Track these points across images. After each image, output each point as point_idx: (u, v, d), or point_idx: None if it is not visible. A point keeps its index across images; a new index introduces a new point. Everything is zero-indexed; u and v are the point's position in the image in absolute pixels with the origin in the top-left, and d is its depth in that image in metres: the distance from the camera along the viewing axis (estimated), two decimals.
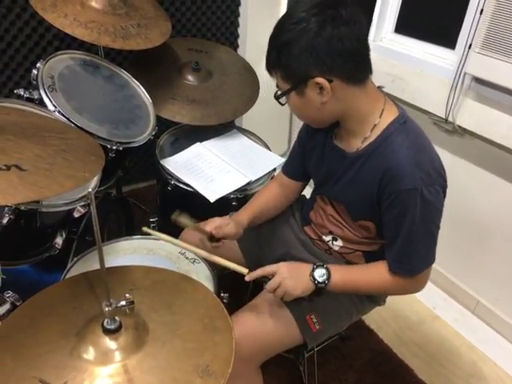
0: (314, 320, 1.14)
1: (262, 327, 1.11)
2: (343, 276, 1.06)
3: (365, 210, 1.07)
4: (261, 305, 1.15)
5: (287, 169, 1.32)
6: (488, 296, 1.84)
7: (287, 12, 0.96)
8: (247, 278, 1.05)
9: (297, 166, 1.28)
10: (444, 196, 1.00)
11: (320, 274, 1.04)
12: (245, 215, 1.23)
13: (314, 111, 1.00)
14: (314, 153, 1.18)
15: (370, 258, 1.15)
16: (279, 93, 1.01)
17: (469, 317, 1.89)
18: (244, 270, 1.07)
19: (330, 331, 1.21)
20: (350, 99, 0.98)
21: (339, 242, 1.19)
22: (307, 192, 1.35)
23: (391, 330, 1.80)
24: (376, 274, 1.08)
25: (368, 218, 1.08)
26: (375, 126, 1.00)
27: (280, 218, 1.36)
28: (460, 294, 1.93)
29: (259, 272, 1.05)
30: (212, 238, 1.17)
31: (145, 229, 1.18)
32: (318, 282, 1.03)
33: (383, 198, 0.99)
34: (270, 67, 0.99)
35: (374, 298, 1.24)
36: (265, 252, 1.34)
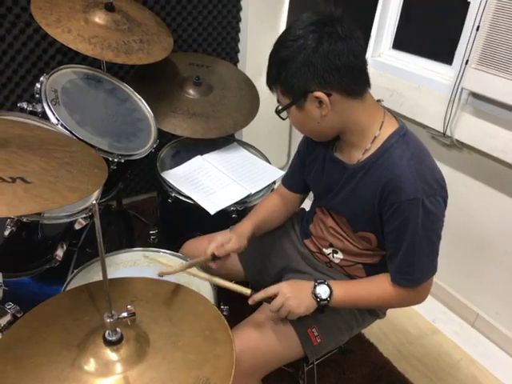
0: (315, 333, 1.14)
1: (262, 341, 1.11)
2: (345, 292, 1.07)
3: (365, 222, 1.07)
4: (261, 318, 1.15)
5: (287, 181, 1.33)
6: (488, 309, 1.84)
7: (286, 30, 0.98)
8: (250, 302, 1.05)
9: (296, 178, 1.29)
10: (445, 206, 1.01)
11: (322, 291, 1.04)
12: (248, 226, 1.23)
13: (315, 124, 1.02)
14: (314, 165, 1.19)
15: (370, 270, 1.16)
16: (280, 108, 1.03)
17: (469, 330, 1.89)
18: (247, 291, 1.07)
19: (331, 344, 1.20)
20: (349, 112, 1.00)
21: (339, 255, 1.20)
22: (307, 205, 1.36)
23: (391, 343, 1.80)
24: (378, 287, 1.08)
25: (369, 229, 1.08)
26: (375, 138, 1.02)
27: (280, 231, 1.36)
28: (460, 307, 1.93)
29: (262, 294, 1.05)
30: (214, 258, 1.16)
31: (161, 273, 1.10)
32: (321, 300, 1.04)
33: (384, 209, 1.00)
34: (271, 83, 1.03)
35: (374, 311, 1.24)
36: (265, 265, 1.35)
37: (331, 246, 1.20)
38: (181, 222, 1.70)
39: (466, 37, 1.62)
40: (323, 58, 0.92)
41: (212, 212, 1.52)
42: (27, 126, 1.09)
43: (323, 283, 1.05)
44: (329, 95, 0.95)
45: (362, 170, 1.04)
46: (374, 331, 1.80)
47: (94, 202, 0.62)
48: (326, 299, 1.04)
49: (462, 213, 1.82)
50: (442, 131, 1.74)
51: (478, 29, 1.53)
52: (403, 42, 1.99)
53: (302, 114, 1.01)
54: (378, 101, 1.06)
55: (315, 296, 1.04)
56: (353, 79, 0.96)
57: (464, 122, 1.68)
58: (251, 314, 1.19)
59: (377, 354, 1.74)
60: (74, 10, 1.54)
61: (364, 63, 0.98)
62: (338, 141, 1.10)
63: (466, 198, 1.79)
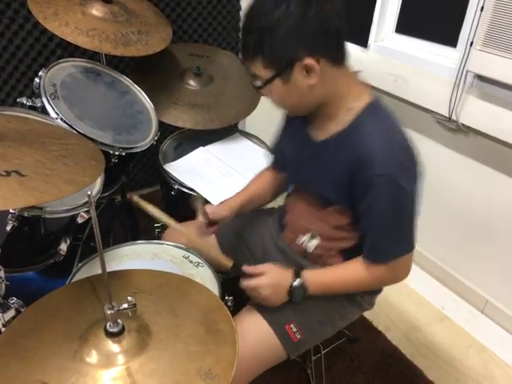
0: (294, 329, 1.11)
1: (242, 346, 1.04)
2: (321, 285, 1.08)
3: (336, 196, 1.05)
4: (239, 323, 1.11)
5: (272, 160, 1.34)
6: (497, 295, 1.82)
7: None
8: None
9: (277, 155, 1.30)
10: (417, 183, 0.98)
11: (298, 292, 1.06)
12: (237, 200, 1.27)
13: (298, 97, 0.97)
14: (289, 143, 1.19)
15: (347, 257, 1.12)
16: (261, 82, 0.95)
17: (478, 316, 1.87)
18: (229, 264, 1.10)
19: (313, 340, 1.18)
20: (334, 81, 0.96)
21: (316, 241, 1.15)
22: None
23: (399, 331, 1.79)
24: (353, 272, 1.08)
25: (340, 202, 1.05)
26: (349, 110, 0.99)
27: (260, 222, 1.37)
28: (469, 293, 1.91)
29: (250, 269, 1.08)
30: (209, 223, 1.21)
31: (135, 198, 1.19)
32: (296, 301, 1.07)
33: (356, 186, 0.98)
34: (249, 56, 0.94)
35: (357, 302, 1.20)
36: (245, 255, 1.34)
37: (307, 231, 1.16)
38: (184, 214, 1.69)
39: (470, 18, 1.58)
40: (312, 22, 0.87)
41: (215, 203, 1.52)
42: (25, 120, 1.09)
43: (300, 285, 1.06)
44: (318, 62, 0.91)
45: (332, 144, 1.02)
46: (381, 319, 1.78)
47: (89, 192, 0.60)
48: (300, 300, 1.07)
49: (470, 198, 1.79)
50: (447, 115, 1.71)
51: (482, 9, 1.50)
52: (406, 25, 1.95)
53: (286, 87, 0.94)
54: (356, 72, 1.03)
55: (290, 296, 1.06)
56: (338, 45, 0.94)
57: (470, 106, 1.65)
58: None
59: (385, 342, 1.73)
60: (71, 2, 1.53)
61: (345, 27, 0.94)
62: (312, 115, 1.06)
63: (473, 183, 1.77)
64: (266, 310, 1.11)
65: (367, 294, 1.22)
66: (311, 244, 1.18)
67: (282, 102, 1.02)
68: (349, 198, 1.02)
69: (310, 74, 0.92)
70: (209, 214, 1.18)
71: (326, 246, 1.15)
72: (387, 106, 1.02)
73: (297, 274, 1.07)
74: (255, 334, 1.10)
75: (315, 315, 1.15)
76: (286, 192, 1.26)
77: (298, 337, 1.11)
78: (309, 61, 0.90)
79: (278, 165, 1.32)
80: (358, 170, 0.96)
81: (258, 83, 0.96)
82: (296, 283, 1.05)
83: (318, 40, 0.90)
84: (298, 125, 1.13)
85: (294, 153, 1.15)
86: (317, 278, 1.08)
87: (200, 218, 1.20)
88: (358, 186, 0.97)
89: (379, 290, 1.26)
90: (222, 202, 1.27)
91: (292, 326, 1.11)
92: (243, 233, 1.37)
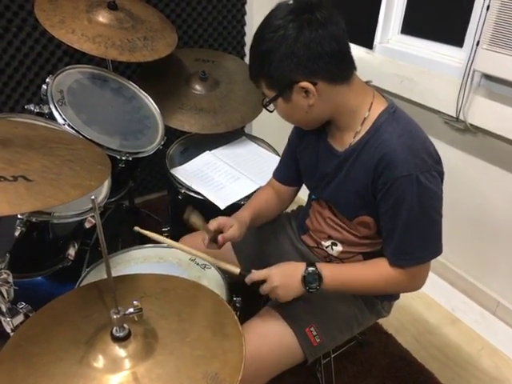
0: (314, 333, 1.10)
1: (263, 345, 1.08)
2: (336, 277, 1.05)
3: (360, 206, 1.05)
4: (261, 323, 1.12)
5: (278, 174, 1.30)
6: (509, 296, 1.80)
7: (265, 20, 0.95)
8: (247, 280, 1.06)
9: (287, 170, 1.27)
10: (441, 182, 0.98)
11: (311, 278, 1.02)
12: (246, 214, 1.19)
13: (303, 114, 1.00)
14: (305, 154, 1.17)
15: (370, 259, 1.12)
16: (266, 101, 1.01)
17: (490, 318, 1.84)
18: (236, 270, 1.07)
19: (330, 345, 1.17)
20: (337, 98, 0.98)
21: (339, 247, 1.16)
22: (303, 201, 1.33)
23: (410, 334, 1.77)
24: (372, 271, 1.06)
25: (365, 213, 1.05)
26: (365, 119, 1.00)
27: (277, 229, 1.35)
28: (480, 295, 1.88)
29: (249, 280, 1.05)
30: (216, 241, 1.14)
31: (136, 228, 1.14)
32: (310, 288, 1.03)
33: (378, 188, 0.97)
34: (254, 77, 1.00)
35: (376, 310, 1.20)
36: (264, 264, 1.31)
37: (330, 238, 1.17)
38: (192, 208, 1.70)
39: (476, 17, 1.57)
40: (305, 47, 0.90)
41: (222, 207, 1.52)
42: (33, 126, 1.10)
43: (313, 272, 1.02)
44: (314, 84, 0.93)
45: (354, 153, 1.02)
46: (391, 322, 1.77)
47: (93, 197, 0.61)
48: (315, 288, 1.02)
49: (479, 199, 1.77)
50: (454, 116, 1.69)
51: (488, 8, 1.49)
52: (412, 26, 1.94)
53: (289, 106, 0.99)
54: (367, 82, 1.04)
55: (305, 284, 1.02)
56: (337, 65, 0.94)
57: (477, 106, 1.64)
58: (249, 319, 1.14)
59: (395, 345, 1.72)
60: (78, 10, 1.54)
61: (347, 47, 0.96)
62: (329, 126, 1.08)
63: (482, 184, 1.75)
64: (286, 311, 1.10)
65: (386, 300, 1.22)
66: (334, 249, 1.19)
67: (287, 118, 1.06)
68: (372, 206, 1.02)
69: (309, 95, 0.95)
70: (220, 238, 1.10)
71: (349, 250, 1.16)
72: (403, 109, 1.02)
73: (310, 264, 1.04)
74: (275, 334, 1.09)
75: (335, 321, 1.15)
76: (311, 198, 1.24)
77: (318, 341, 1.10)
78: (304, 84, 0.93)
79: (284, 179, 1.29)
80: (379, 171, 0.96)
81: (265, 101, 1.02)
82: (309, 270, 1.03)
83: (312, 64, 0.91)
84: (315, 137, 1.13)
85: (318, 166, 1.13)
86: (332, 268, 1.07)
87: (204, 235, 1.14)
88: (381, 188, 0.97)
89: (397, 297, 1.25)
90: (233, 217, 1.17)
91: (312, 329, 1.10)
92: (261, 242, 1.34)
